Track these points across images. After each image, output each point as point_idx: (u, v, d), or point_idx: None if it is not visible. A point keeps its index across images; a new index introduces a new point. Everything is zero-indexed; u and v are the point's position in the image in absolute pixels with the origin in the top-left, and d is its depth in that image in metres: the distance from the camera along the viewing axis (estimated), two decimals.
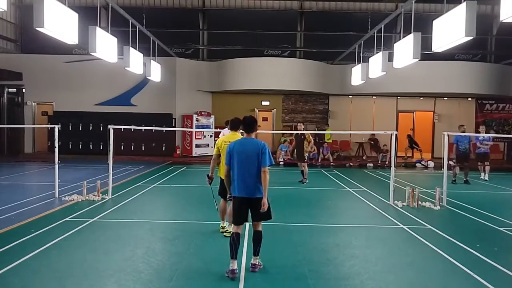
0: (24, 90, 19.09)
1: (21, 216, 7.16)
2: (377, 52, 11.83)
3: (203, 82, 19.48)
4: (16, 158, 17.12)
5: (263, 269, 4.87)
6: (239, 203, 4.72)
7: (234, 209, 4.82)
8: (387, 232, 6.85)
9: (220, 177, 6.01)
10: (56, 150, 9.08)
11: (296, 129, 11.50)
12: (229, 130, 6.11)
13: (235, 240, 4.65)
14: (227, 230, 6.23)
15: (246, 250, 5.51)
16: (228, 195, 5.11)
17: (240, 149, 4.69)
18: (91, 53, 8.93)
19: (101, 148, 17.37)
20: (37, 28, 6.51)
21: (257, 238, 4.76)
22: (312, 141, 11.71)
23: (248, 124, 4.85)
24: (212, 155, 6.32)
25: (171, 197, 10.01)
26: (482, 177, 12.94)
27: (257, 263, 4.80)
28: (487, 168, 12.84)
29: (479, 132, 13.67)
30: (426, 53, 10.10)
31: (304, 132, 11.57)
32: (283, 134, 19.07)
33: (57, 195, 8.84)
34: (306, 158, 11.53)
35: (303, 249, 5.66)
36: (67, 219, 7.06)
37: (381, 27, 11.71)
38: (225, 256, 5.32)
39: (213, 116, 19.17)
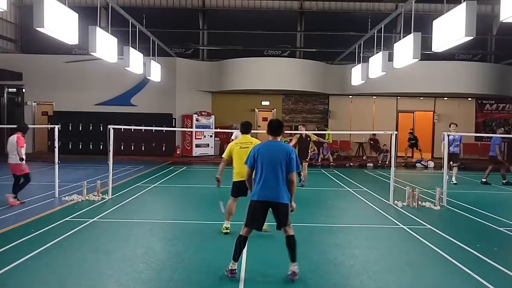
0: (24, 90, 19.11)
1: (21, 216, 7.16)
2: (377, 52, 11.83)
3: (203, 82, 19.48)
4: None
5: (263, 269, 4.87)
6: (260, 207, 4.51)
7: (251, 212, 4.57)
8: (387, 232, 6.85)
9: (232, 180, 6.14)
10: (56, 150, 9.08)
11: (297, 130, 11.44)
12: (241, 133, 6.22)
13: (242, 244, 4.55)
14: (227, 228, 6.27)
15: (246, 251, 5.51)
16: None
17: (266, 152, 4.50)
18: (91, 53, 8.93)
19: (101, 148, 17.37)
20: (37, 28, 6.51)
21: (291, 243, 4.51)
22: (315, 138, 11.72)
23: (275, 128, 4.65)
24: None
25: (171, 197, 10.01)
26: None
27: (296, 271, 4.51)
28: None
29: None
30: (426, 53, 10.10)
31: (307, 132, 11.50)
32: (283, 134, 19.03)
33: (57, 195, 8.84)
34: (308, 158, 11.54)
35: (303, 249, 5.64)
36: (67, 219, 7.06)
37: (381, 27, 11.71)
38: (225, 256, 5.31)
39: (213, 116, 19.18)
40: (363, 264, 5.18)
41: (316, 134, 18.19)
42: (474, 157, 18.37)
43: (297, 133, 11.50)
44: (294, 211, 4.63)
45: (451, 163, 11.64)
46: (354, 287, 4.51)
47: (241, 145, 6.03)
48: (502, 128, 14.66)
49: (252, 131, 11.43)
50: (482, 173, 13.23)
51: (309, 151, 11.46)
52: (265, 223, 4.80)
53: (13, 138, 8.18)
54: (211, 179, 12.70)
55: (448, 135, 11.18)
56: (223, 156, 6.27)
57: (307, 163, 11.38)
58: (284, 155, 4.45)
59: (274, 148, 4.54)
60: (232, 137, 12.57)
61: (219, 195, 10.08)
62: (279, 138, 4.70)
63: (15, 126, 8.81)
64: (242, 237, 4.57)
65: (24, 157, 8.14)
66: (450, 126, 11.82)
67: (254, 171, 4.60)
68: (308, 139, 11.28)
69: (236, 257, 4.55)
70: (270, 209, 4.55)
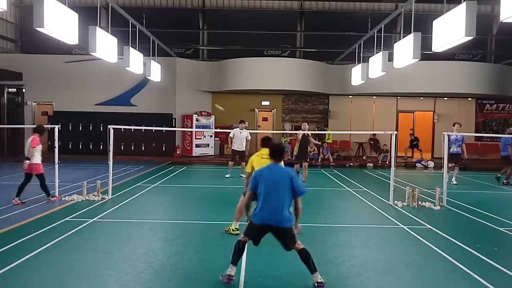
0: (24, 90, 19.10)
1: (21, 216, 7.16)
2: (377, 52, 11.83)
3: (203, 82, 19.49)
4: (16, 158, 17.11)
5: (264, 269, 4.87)
6: (260, 230, 4.46)
7: (250, 229, 4.53)
8: (387, 232, 6.85)
9: None
10: (56, 150, 9.07)
11: (300, 129, 11.42)
12: (262, 147, 6.36)
13: (241, 248, 4.51)
14: (237, 229, 6.23)
15: (246, 252, 5.51)
16: (246, 218, 4.99)
17: (269, 176, 4.44)
18: (91, 53, 8.93)
19: (101, 148, 17.36)
20: (37, 28, 6.51)
21: (305, 257, 4.43)
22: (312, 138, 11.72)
23: (277, 153, 4.60)
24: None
25: (171, 197, 10.01)
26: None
27: (320, 280, 4.39)
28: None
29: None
30: (426, 53, 10.10)
31: (308, 132, 11.49)
32: (283, 134, 19.07)
33: (57, 195, 8.83)
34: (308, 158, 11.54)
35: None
36: (67, 219, 7.06)
37: (381, 27, 11.71)
38: (225, 256, 5.31)
39: (213, 116, 19.18)
40: (363, 264, 5.18)
41: (316, 134, 18.23)
42: (474, 157, 18.36)
43: (299, 132, 11.47)
44: (299, 233, 4.59)
45: (453, 163, 11.64)
46: (354, 287, 4.51)
47: (262, 156, 6.20)
48: (511, 128, 14.60)
49: (252, 131, 11.52)
50: (482, 173, 13.27)
51: (309, 150, 11.45)
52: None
53: (29, 139, 8.35)
54: (211, 179, 12.74)
55: (449, 135, 11.17)
56: (246, 170, 6.37)
57: (307, 163, 11.37)
58: (287, 180, 4.40)
59: (277, 172, 4.49)
60: (230, 135, 12.61)
61: (219, 195, 10.10)
62: (281, 163, 4.62)
63: (34, 126, 9.04)
64: (241, 242, 4.54)
65: (31, 156, 8.26)
66: (454, 125, 11.73)
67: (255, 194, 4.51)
68: (309, 138, 11.27)
69: (235, 261, 4.49)
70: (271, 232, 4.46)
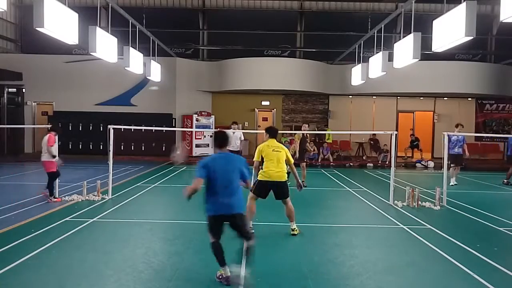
0: (24, 90, 19.10)
1: (21, 216, 7.16)
2: (377, 52, 11.83)
3: (203, 82, 19.48)
4: (16, 158, 17.12)
5: (263, 269, 4.87)
6: (219, 221, 4.43)
7: (211, 226, 4.46)
8: (387, 232, 6.85)
9: (257, 179, 6.34)
10: (56, 150, 9.06)
11: (300, 130, 11.37)
12: (269, 137, 6.41)
13: (219, 248, 4.42)
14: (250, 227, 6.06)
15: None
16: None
17: (218, 165, 4.45)
18: (91, 53, 8.92)
19: (101, 148, 17.36)
20: (37, 28, 6.51)
21: (249, 251, 4.47)
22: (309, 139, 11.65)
23: (222, 140, 4.69)
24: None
25: (171, 197, 10.01)
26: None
27: (237, 273, 4.38)
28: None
29: None
30: (426, 53, 10.10)
31: (306, 132, 11.44)
32: (283, 134, 19.06)
33: (57, 195, 8.83)
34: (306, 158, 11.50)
35: (303, 249, 5.66)
36: (67, 219, 7.06)
37: (381, 27, 11.71)
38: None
39: (213, 116, 19.17)
40: (363, 264, 5.18)
41: (315, 135, 18.18)
42: (474, 157, 18.35)
43: (298, 133, 11.43)
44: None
45: (453, 164, 11.63)
46: (354, 287, 4.51)
47: (274, 148, 6.30)
48: None
49: (252, 131, 11.53)
50: (482, 173, 13.27)
51: (308, 150, 11.41)
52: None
53: (46, 137, 8.62)
54: None
55: (449, 135, 11.15)
56: (254, 159, 6.38)
57: (305, 163, 11.35)
58: (236, 167, 4.47)
59: (225, 160, 4.52)
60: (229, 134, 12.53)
61: None
62: (226, 149, 4.67)
63: (49, 126, 9.30)
64: (216, 243, 4.45)
65: (56, 154, 8.61)
66: (457, 127, 11.65)
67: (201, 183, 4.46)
68: (307, 139, 11.24)
69: (222, 262, 4.42)
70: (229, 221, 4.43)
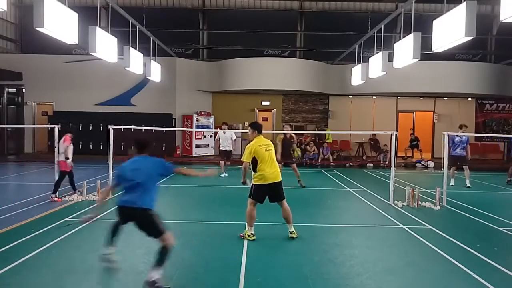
0: (24, 90, 19.10)
1: (21, 216, 7.16)
2: (377, 52, 11.83)
3: (203, 82, 19.48)
4: (17, 158, 17.12)
5: (263, 269, 4.87)
6: (124, 213, 4.68)
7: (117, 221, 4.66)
8: (387, 232, 6.85)
9: (253, 184, 6.02)
10: (56, 150, 9.07)
11: (299, 130, 11.16)
12: (257, 133, 6.10)
13: (116, 228, 4.62)
14: (252, 234, 6.05)
15: (246, 252, 5.52)
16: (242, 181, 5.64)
17: (135, 169, 4.53)
18: (91, 53, 8.93)
19: (101, 148, 17.35)
20: (37, 28, 6.51)
21: (163, 252, 4.28)
22: (296, 140, 11.25)
23: (142, 145, 4.77)
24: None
25: (171, 197, 10.00)
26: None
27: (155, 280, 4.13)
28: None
29: None
30: (426, 53, 10.10)
31: (289, 133, 11.08)
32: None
33: (59, 198, 8.82)
34: (294, 159, 11.16)
35: (303, 249, 5.66)
36: (67, 219, 7.06)
37: (381, 27, 11.71)
38: (225, 256, 5.33)
39: (213, 116, 19.18)
40: (363, 264, 5.18)
41: (316, 134, 18.15)
42: (474, 157, 18.34)
43: (281, 133, 11.19)
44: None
45: (455, 166, 11.63)
46: (354, 287, 4.51)
47: (266, 148, 5.98)
48: None
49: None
50: (482, 173, 13.27)
51: (295, 151, 11.03)
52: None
53: (62, 138, 8.90)
54: (211, 179, 12.72)
55: (452, 136, 11.16)
56: (244, 159, 5.98)
57: (294, 164, 11.15)
58: (153, 169, 4.60)
59: (143, 164, 4.59)
60: (216, 137, 13.18)
61: (219, 195, 10.10)
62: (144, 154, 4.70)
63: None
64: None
65: (70, 156, 8.79)
66: (461, 128, 11.49)
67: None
68: (292, 140, 10.89)
69: (113, 241, 4.57)
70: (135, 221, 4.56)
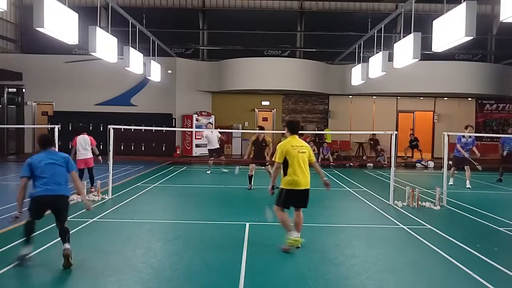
0: (24, 90, 19.10)
1: (21, 216, 7.13)
2: (377, 52, 11.83)
3: (203, 82, 19.49)
4: (17, 158, 17.12)
5: (263, 269, 4.87)
6: (41, 204, 5.06)
7: (33, 210, 5.01)
8: (387, 232, 6.85)
9: (282, 188, 5.53)
10: (56, 150, 9.05)
11: (258, 135, 10.57)
12: (289, 133, 5.62)
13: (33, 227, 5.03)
14: (297, 237, 5.59)
15: (245, 252, 5.52)
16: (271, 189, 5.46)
17: (46, 161, 5.02)
18: (91, 53, 8.93)
19: (101, 148, 17.10)
20: (37, 28, 6.51)
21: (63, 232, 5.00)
22: (271, 144, 10.71)
23: (45, 141, 5.26)
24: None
25: (171, 197, 10.01)
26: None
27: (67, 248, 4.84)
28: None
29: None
30: (426, 53, 10.09)
31: (262, 133, 10.75)
32: (283, 134, 19.03)
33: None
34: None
35: (303, 249, 5.65)
36: (67, 219, 7.03)
37: (381, 27, 11.71)
38: (225, 256, 5.33)
39: (213, 116, 19.18)
40: (363, 264, 5.18)
41: (316, 134, 18.10)
42: (473, 157, 18.31)
43: (254, 134, 10.80)
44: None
45: (454, 166, 11.68)
46: (354, 287, 4.51)
47: (299, 149, 5.44)
48: None
49: (252, 131, 11.51)
50: (482, 173, 13.25)
51: (267, 154, 10.51)
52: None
53: (86, 137, 9.88)
54: (211, 179, 12.74)
55: (449, 135, 11.12)
56: (276, 159, 5.46)
57: (269, 166, 10.60)
58: (61, 162, 5.09)
59: (53, 156, 5.11)
60: (204, 135, 14.04)
61: (219, 195, 10.09)
62: (53, 148, 5.26)
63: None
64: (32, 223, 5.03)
65: (90, 152, 9.83)
66: (466, 128, 11.43)
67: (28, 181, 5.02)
68: (264, 144, 10.51)
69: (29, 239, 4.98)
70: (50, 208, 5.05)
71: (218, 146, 13.87)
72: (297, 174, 5.40)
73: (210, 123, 14.30)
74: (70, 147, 9.68)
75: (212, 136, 13.67)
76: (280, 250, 5.52)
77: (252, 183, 10.55)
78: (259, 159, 10.61)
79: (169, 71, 13.16)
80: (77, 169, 9.11)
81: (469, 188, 11.33)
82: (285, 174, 5.47)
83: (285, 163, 5.43)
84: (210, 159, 13.88)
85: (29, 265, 4.84)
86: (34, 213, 5.02)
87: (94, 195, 8.83)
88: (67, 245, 4.84)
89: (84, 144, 9.71)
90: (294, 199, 5.51)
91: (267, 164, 10.62)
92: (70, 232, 6.14)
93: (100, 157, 9.87)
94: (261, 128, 11.17)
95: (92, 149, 9.84)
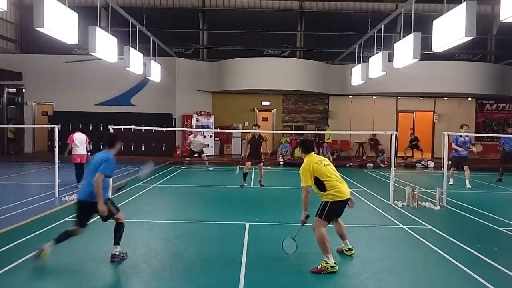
0: (24, 90, 19.10)
1: (21, 216, 7.16)
2: (377, 52, 11.83)
3: (203, 82, 19.49)
4: (17, 158, 17.13)
5: (264, 269, 4.87)
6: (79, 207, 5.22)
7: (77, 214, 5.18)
8: (387, 232, 6.85)
9: (325, 201, 5.09)
10: (56, 150, 9.08)
11: (253, 131, 10.95)
12: (304, 153, 5.31)
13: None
14: (350, 248, 5.49)
15: (245, 252, 5.52)
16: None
17: (91, 162, 5.33)
18: (91, 53, 8.92)
19: (101, 148, 17.27)
20: (37, 28, 6.51)
21: (117, 229, 5.25)
22: (268, 140, 11.20)
23: (108, 141, 5.59)
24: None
25: (171, 197, 10.01)
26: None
27: (115, 253, 5.05)
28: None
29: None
30: (426, 53, 10.10)
31: (257, 132, 11.01)
32: (283, 134, 19.08)
33: (57, 195, 8.84)
34: (263, 158, 11.16)
35: (303, 249, 5.65)
36: (67, 219, 7.05)
37: (381, 27, 11.71)
38: (225, 256, 5.33)
39: (213, 116, 19.18)
40: (363, 264, 5.18)
41: (316, 134, 18.11)
42: (474, 157, 18.29)
43: (250, 132, 11.13)
44: (104, 213, 5.03)
45: (453, 166, 11.68)
46: (354, 287, 4.51)
47: (323, 163, 5.17)
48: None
49: (251, 132, 11.53)
50: (482, 173, 13.27)
51: (264, 151, 11.10)
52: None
53: (82, 135, 10.61)
54: (211, 179, 12.74)
55: (456, 138, 11.15)
56: (304, 184, 5.04)
57: (262, 163, 11.15)
58: (97, 162, 5.16)
59: (94, 158, 5.31)
60: (188, 141, 14.82)
61: (219, 195, 10.09)
62: (111, 150, 5.41)
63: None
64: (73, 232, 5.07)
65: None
66: (461, 127, 11.40)
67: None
68: (261, 140, 10.93)
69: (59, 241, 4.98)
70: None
71: (201, 148, 14.94)
72: (337, 185, 5.09)
73: (192, 132, 15.69)
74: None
75: (195, 141, 14.64)
76: (279, 250, 5.51)
77: (246, 181, 10.93)
78: (256, 158, 10.95)
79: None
80: (75, 164, 10.05)
81: (469, 188, 11.33)
82: (323, 190, 5.07)
83: (318, 182, 5.07)
84: (187, 158, 15.02)
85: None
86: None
87: None
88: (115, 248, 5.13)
89: (81, 141, 10.41)
90: (338, 211, 5.21)
91: (263, 160, 11.08)
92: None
93: (89, 154, 10.42)
94: (257, 126, 11.28)
95: (86, 145, 10.56)
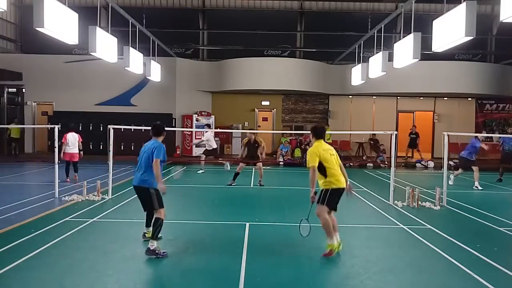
0: (24, 90, 19.10)
1: (21, 216, 7.16)
2: (377, 52, 11.83)
3: (203, 82, 19.49)
4: (16, 158, 17.12)
5: (263, 269, 4.87)
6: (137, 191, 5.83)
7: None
8: (387, 232, 6.85)
9: (325, 188, 5.43)
10: (56, 150, 9.09)
11: (249, 137, 11.29)
12: (315, 138, 5.58)
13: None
14: (339, 242, 5.50)
15: (245, 252, 5.52)
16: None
17: (143, 149, 5.83)
18: (91, 53, 8.93)
19: (101, 148, 17.36)
20: (37, 28, 6.51)
21: (155, 222, 5.54)
22: (263, 143, 11.46)
23: (155, 131, 6.04)
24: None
25: (171, 197, 9.98)
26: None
27: (152, 247, 5.22)
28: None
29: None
30: (426, 53, 10.10)
31: (253, 136, 11.32)
32: (283, 134, 19.08)
33: (57, 195, 8.84)
34: (260, 157, 11.39)
35: (303, 249, 5.65)
36: (67, 219, 7.06)
37: (381, 27, 11.71)
38: (226, 256, 5.33)
39: (213, 116, 19.18)
40: (363, 264, 5.18)
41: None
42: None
43: (246, 138, 11.48)
44: (165, 193, 5.56)
45: (461, 167, 11.76)
46: (354, 287, 4.51)
47: (330, 152, 5.47)
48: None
49: (252, 132, 11.56)
50: (482, 173, 13.22)
51: (259, 155, 11.26)
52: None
53: (75, 135, 11.18)
54: (211, 179, 12.74)
55: (449, 135, 11.12)
56: (310, 164, 5.33)
57: (261, 163, 11.29)
58: (149, 149, 5.62)
59: (147, 145, 5.75)
60: (204, 138, 14.25)
61: (219, 195, 10.09)
62: (158, 139, 5.95)
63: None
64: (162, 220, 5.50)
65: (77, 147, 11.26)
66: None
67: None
68: (256, 145, 11.21)
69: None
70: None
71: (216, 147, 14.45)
72: (336, 174, 5.44)
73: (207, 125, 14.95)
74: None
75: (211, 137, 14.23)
76: (279, 250, 5.52)
77: (235, 180, 11.17)
78: (252, 159, 11.27)
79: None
80: (65, 161, 10.72)
81: (481, 189, 11.18)
82: (324, 175, 5.43)
83: (321, 167, 5.39)
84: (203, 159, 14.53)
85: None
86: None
87: (94, 195, 8.83)
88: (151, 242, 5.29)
89: (73, 141, 11.07)
90: (336, 198, 5.50)
91: (260, 161, 11.29)
92: (70, 232, 6.22)
93: (81, 152, 11.32)
94: (253, 134, 11.60)
95: (78, 144, 11.19)
